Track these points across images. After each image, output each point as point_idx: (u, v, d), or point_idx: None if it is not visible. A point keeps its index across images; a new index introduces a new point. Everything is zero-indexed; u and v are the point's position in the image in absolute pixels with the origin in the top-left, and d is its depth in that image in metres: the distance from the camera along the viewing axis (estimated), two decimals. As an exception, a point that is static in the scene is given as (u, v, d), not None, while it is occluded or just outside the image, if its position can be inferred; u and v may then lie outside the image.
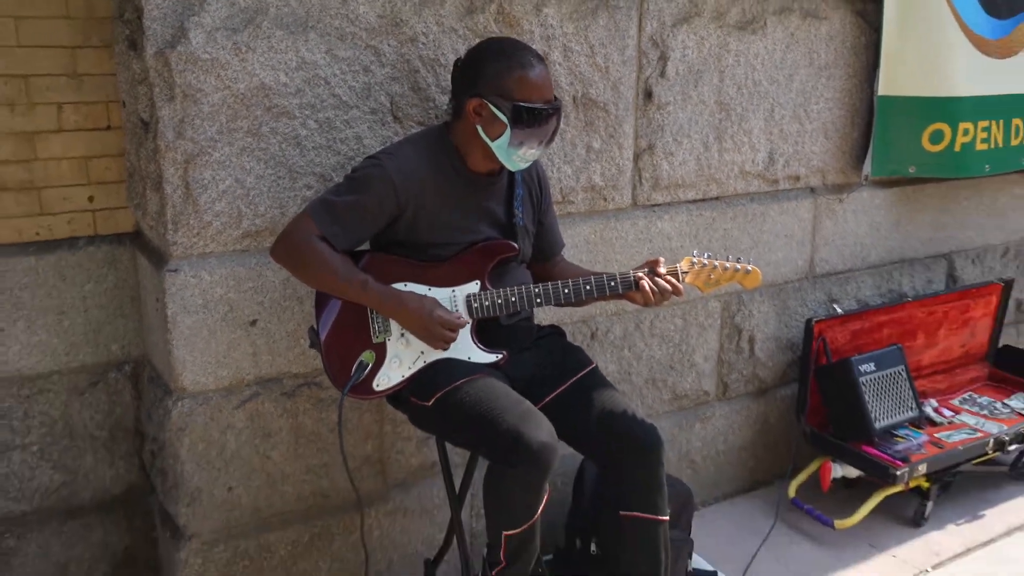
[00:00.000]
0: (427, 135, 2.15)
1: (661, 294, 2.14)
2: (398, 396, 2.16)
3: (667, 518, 2.21)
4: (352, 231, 2.02)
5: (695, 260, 2.22)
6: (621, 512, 2.18)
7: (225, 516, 2.36)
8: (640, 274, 2.15)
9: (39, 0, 2.19)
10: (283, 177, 2.24)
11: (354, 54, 2.25)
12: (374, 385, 2.10)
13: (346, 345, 2.09)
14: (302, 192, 2.26)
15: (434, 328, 2.03)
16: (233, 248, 2.22)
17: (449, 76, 2.25)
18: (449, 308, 2.08)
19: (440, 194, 2.07)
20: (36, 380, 2.38)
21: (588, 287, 2.13)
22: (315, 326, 2.11)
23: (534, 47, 2.41)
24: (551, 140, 2.10)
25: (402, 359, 2.10)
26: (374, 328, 2.09)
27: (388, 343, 2.10)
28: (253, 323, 2.29)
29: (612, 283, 2.14)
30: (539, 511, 2.01)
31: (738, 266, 2.25)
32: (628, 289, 2.14)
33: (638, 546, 2.19)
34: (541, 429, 1.93)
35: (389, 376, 2.10)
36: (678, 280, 2.19)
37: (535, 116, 2.00)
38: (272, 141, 2.20)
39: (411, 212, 2.04)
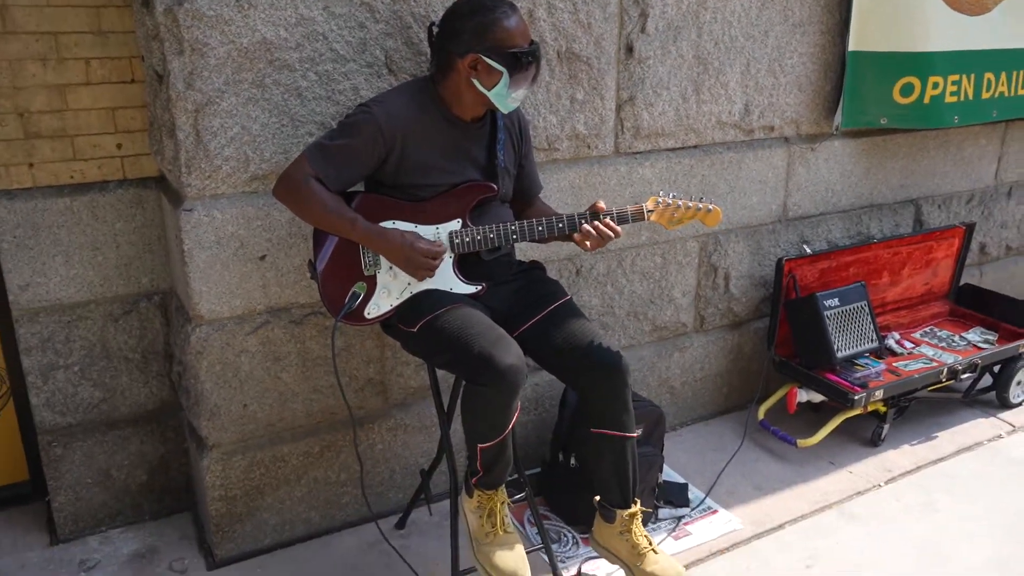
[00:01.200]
0: (413, 85, 2.11)
1: (600, 237, 2.11)
2: (388, 323, 2.17)
3: (634, 434, 2.20)
4: (344, 172, 2.01)
5: (660, 200, 2.17)
6: (592, 429, 2.17)
7: (241, 429, 2.40)
8: (583, 219, 2.11)
9: (63, -38, 2.16)
10: (286, 125, 2.21)
11: (349, 11, 2.20)
12: (365, 313, 2.10)
13: (341, 277, 2.09)
14: (304, 139, 2.24)
15: (415, 258, 2.02)
16: (242, 190, 2.22)
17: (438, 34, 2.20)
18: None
19: (425, 138, 2.04)
20: (75, 308, 2.41)
21: (560, 224, 2.10)
22: (313, 260, 2.11)
23: (518, 4, 2.35)
24: (536, 79, 2.07)
25: (391, 290, 2.10)
26: (365, 262, 2.08)
27: (378, 275, 2.09)
28: (262, 258, 2.29)
29: (560, 224, 2.11)
30: (509, 426, 2.01)
31: (700, 205, 2.20)
32: (574, 231, 2.12)
33: (608, 459, 2.18)
34: (510, 353, 1.92)
35: (379, 305, 2.10)
36: (644, 218, 2.16)
37: (527, 59, 1.99)
38: (275, 92, 2.17)
39: (398, 154, 2.01)
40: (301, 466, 2.52)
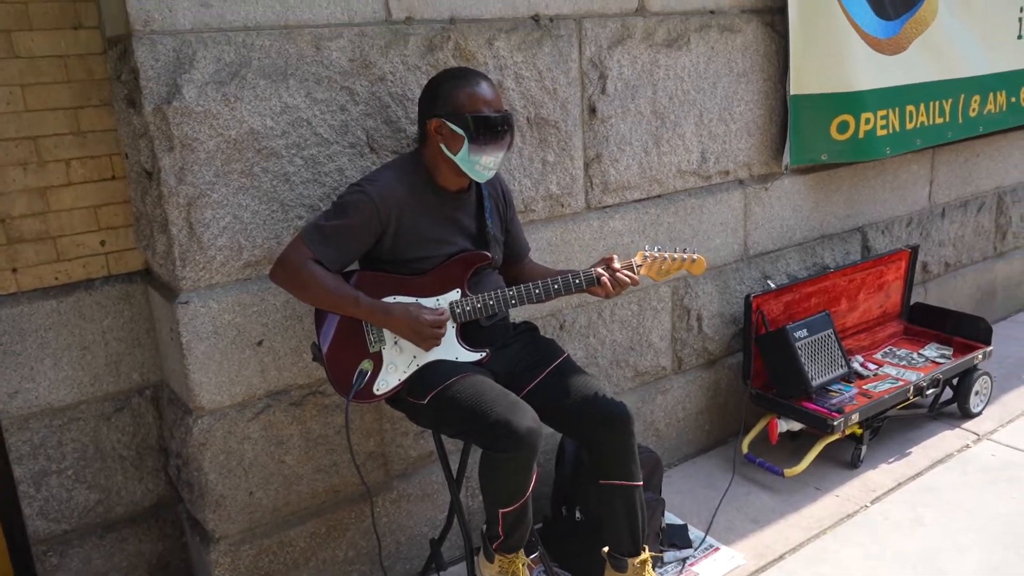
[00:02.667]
0: (402, 161, 2.18)
1: (620, 285, 2.20)
2: (396, 397, 2.19)
3: (641, 483, 2.27)
4: (342, 251, 2.04)
5: (647, 254, 2.27)
6: (601, 481, 2.23)
7: (248, 517, 2.37)
8: (600, 270, 2.19)
9: (43, 68, 2.17)
10: (276, 211, 2.24)
11: (331, 95, 2.27)
12: (374, 390, 2.12)
13: (346, 357, 2.11)
14: (294, 222, 2.27)
15: (422, 329, 2.05)
16: (236, 277, 2.23)
17: (416, 109, 2.29)
18: (434, 315, 2.12)
19: (417, 212, 2.09)
20: (66, 411, 2.36)
21: (556, 286, 2.17)
22: (317, 342, 2.13)
23: (488, 75, 2.45)
24: (508, 147, 2.13)
25: (397, 364, 2.13)
26: (369, 339, 2.11)
27: (383, 351, 2.12)
28: (260, 343, 2.30)
29: (576, 280, 2.18)
30: (530, 488, 2.05)
31: (685, 256, 2.30)
32: (591, 285, 2.19)
33: (618, 509, 2.24)
34: (526, 416, 1.97)
35: (387, 380, 2.13)
36: (634, 272, 2.25)
37: (487, 124, 2.04)
38: (264, 179, 2.20)
39: (392, 230, 2.06)
40: (309, 548, 2.49)
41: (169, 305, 2.20)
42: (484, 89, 2.08)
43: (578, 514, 2.63)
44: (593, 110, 2.83)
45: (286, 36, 2.17)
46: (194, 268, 2.15)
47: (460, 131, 2.04)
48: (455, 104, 2.05)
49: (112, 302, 2.38)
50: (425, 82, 2.36)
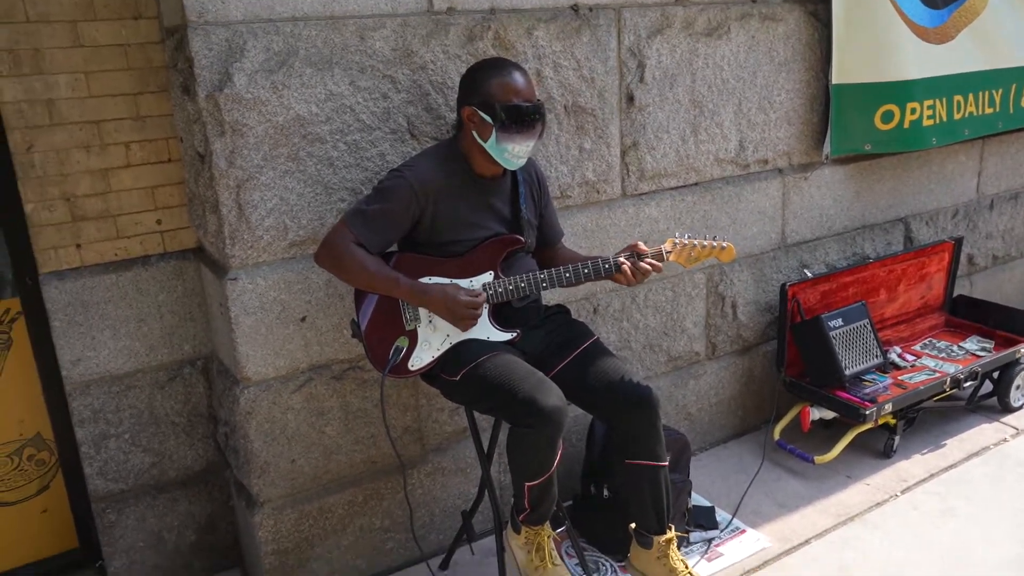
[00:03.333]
0: (440, 147, 2.26)
1: (642, 274, 2.24)
2: (430, 373, 2.28)
3: (666, 463, 2.32)
4: (382, 234, 2.14)
5: (676, 240, 2.32)
6: (627, 461, 2.29)
7: (290, 484, 2.50)
8: (622, 258, 2.24)
9: (105, 56, 2.30)
10: (320, 193, 2.35)
11: (374, 83, 2.36)
12: (409, 365, 2.22)
13: (383, 333, 2.21)
14: (337, 205, 2.37)
15: (459, 310, 2.14)
16: (282, 256, 2.34)
17: (455, 96, 2.38)
18: (468, 296, 2.20)
19: (453, 196, 2.17)
20: (124, 378, 2.51)
21: (586, 271, 2.24)
22: (356, 319, 2.23)
23: (527, 65, 2.52)
24: (539, 136, 2.18)
25: (431, 342, 2.22)
26: (406, 317, 2.21)
27: (419, 329, 2.21)
28: (303, 319, 2.41)
29: (606, 266, 2.24)
30: (555, 464, 2.13)
31: (715, 243, 2.34)
32: (615, 271, 2.25)
33: (644, 488, 2.30)
34: (552, 395, 2.04)
35: (421, 357, 2.22)
36: (662, 259, 2.29)
37: (515, 113, 2.10)
38: (309, 163, 2.31)
39: (430, 214, 2.15)
40: (347, 515, 2.61)
41: (219, 281, 2.33)
42: (516, 79, 2.14)
43: (606, 492, 2.71)
44: (631, 98, 2.87)
45: (332, 26, 2.26)
46: (242, 247, 2.27)
47: (489, 119, 2.11)
48: (487, 93, 2.12)
49: (167, 277, 2.52)
50: (464, 71, 2.45)
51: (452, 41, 2.45)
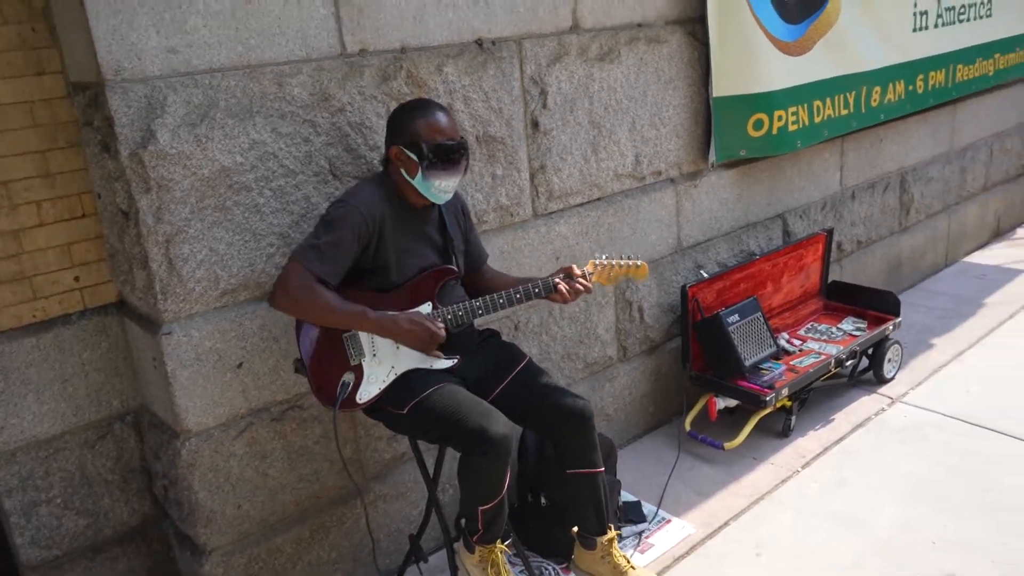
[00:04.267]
0: (375, 179, 2.33)
1: (576, 293, 2.40)
2: (374, 407, 2.34)
3: (603, 469, 2.50)
4: (339, 264, 2.18)
5: (597, 262, 2.49)
6: (567, 471, 2.45)
7: (237, 530, 2.51)
8: (557, 280, 2.39)
9: (9, 115, 2.23)
10: (249, 240, 2.37)
11: (294, 129, 2.39)
12: (357, 399, 2.28)
13: (328, 370, 2.27)
14: (266, 250, 2.40)
15: (426, 336, 2.22)
16: (214, 306, 2.35)
17: (374, 136, 2.47)
18: (409, 329, 2.29)
19: (395, 224, 2.26)
20: (51, 442, 2.44)
21: (518, 295, 2.37)
22: (300, 358, 2.27)
23: (440, 100, 2.62)
24: (464, 172, 2.30)
25: (377, 375, 2.29)
26: (350, 353, 2.27)
27: (363, 363, 2.28)
28: (239, 365, 2.42)
29: (536, 289, 2.38)
30: (506, 486, 2.26)
31: (630, 262, 2.53)
32: (550, 292, 2.39)
33: (584, 495, 2.47)
34: (500, 423, 2.16)
35: (368, 390, 2.29)
36: (586, 280, 2.46)
37: (440, 151, 2.21)
38: (236, 212, 2.32)
39: (376, 239, 2.23)
40: (295, 553, 2.64)
41: (151, 336, 2.31)
42: (439, 118, 2.25)
43: (544, 500, 2.86)
44: (536, 124, 3.01)
45: (250, 75, 2.28)
46: (175, 300, 2.27)
47: (415, 157, 2.22)
48: (413, 132, 2.22)
49: (89, 335, 2.46)
50: (383, 110, 2.53)
51: (367, 82, 2.52)
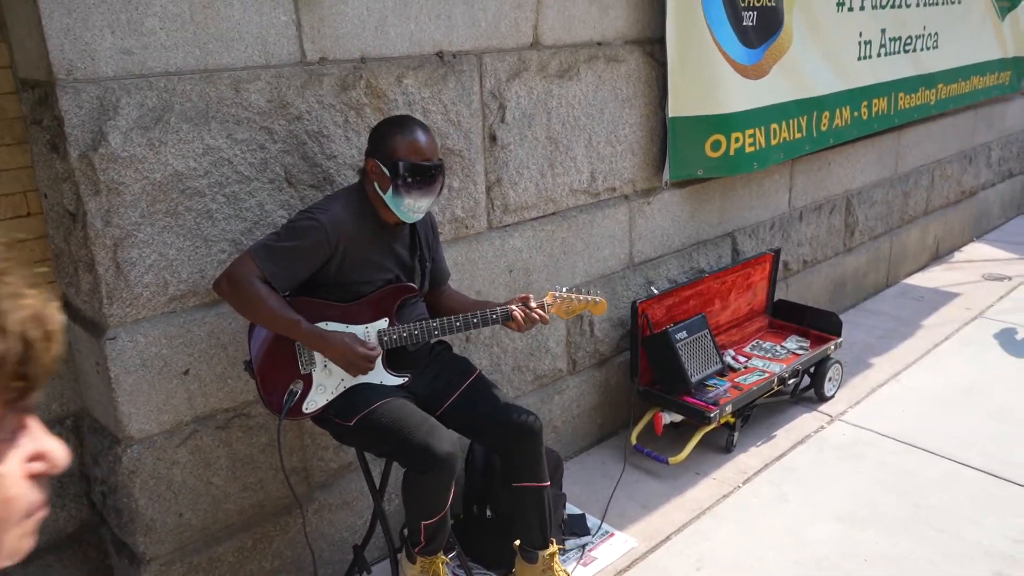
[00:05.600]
0: (350, 192, 2.33)
1: (531, 322, 2.41)
2: (322, 417, 2.34)
3: (548, 483, 2.53)
4: (289, 271, 2.17)
5: (557, 295, 2.51)
6: (514, 484, 2.48)
7: (178, 538, 2.47)
8: (514, 307, 2.41)
9: (-47, 111, 2.18)
10: (200, 247, 2.34)
11: (250, 135, 2.38)
12: (303, 408, 2.28)
13: (276, 376, 2.26)
14: (217, 256, 2.38)
15: (357, 361, 2.22)
16: (162, 311, 2.32)
17: (332, 145, 2.47)
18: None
19: (362, 240, 2.26)
20: (-14, 446, 2.38)
21: (475, 320, 2.38)
22: (250, 361, 2.26)
23: (399, 112, 2.63)
24: (438, 193, 2.31)
25: (326, 386, 2.29)
26: (301, 361, 2.26)
27: (313, 373, 2.28)
28: (186, 372, 2.40)
29: (494, 315, 2.39)
30: (449, 501, 2.27)
31: (589, 298, 2.54)
32: (507, 319, 2.40)
33: (529, 508, 2.50)
34: (445, 440, 2.18)
35: (316, 400, 2.29)
36: (544, 311, 2.48)
37: (412, 171, 2.21)
38: (188, 217, 2.30)
39: (340, 255, 2.22)
40: (237, 562, 2.62)
41: (95, 341, 2.27)
42: (418, 137, 2.24)
43: (489, 512, 2.88)
44: (494, 138, 3.04)
45: (206, 80, 2.26)
46: (121, 305, 2.23)
47: (388, 173, 2.22)
48: (390, 148, 2.22)
49: (30, 336, 2.40)
50: (340, 120, 2.53)
51: (326, 91, 2.51)
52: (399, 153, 2.22)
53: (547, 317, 2.44)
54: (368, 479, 2.46)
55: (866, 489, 3.35)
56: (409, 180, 2.21)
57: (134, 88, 2.14)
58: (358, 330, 2.29)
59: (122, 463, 2.33)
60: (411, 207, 2.26)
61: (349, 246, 2.23)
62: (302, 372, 2.27)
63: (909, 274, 6.07)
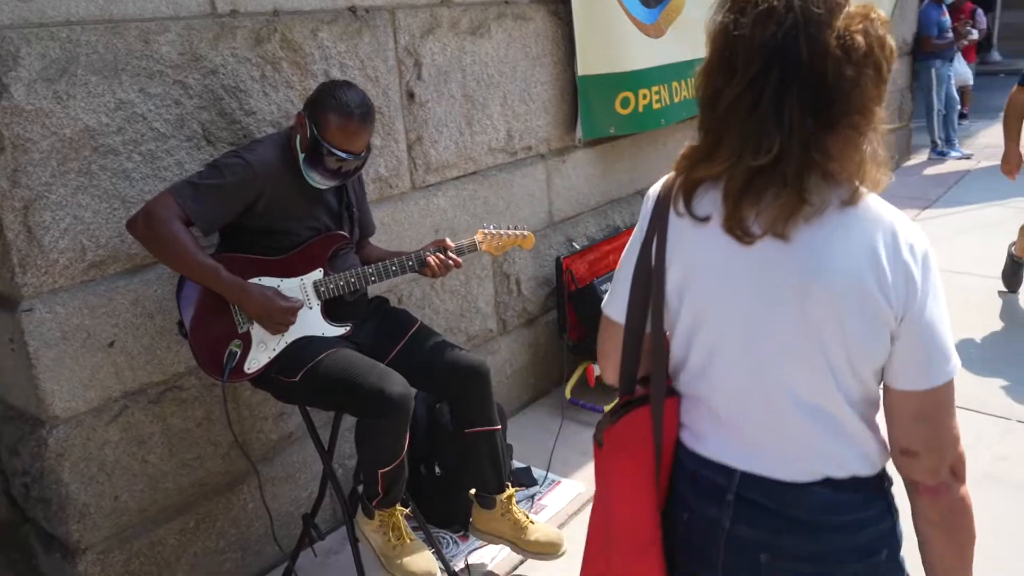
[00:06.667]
0: (278, 137, 2.23)
1: (446, 267, 2.38)
2: (263, 377, 2.24)
3: (500, 427, 2.52)
4: (212, 211, 2.05)
5: (486, 231, 2.50)
6: (467, 431, 2.45)
7: (115, 523, 2.32)
8: (428, 253, 2.37)
9: None
10: (118, 208, 2.21)
11: (164, 90, 2.26)
12: (245, 368, 2.18)
13: (214, 337, 2.15)
14: (137, 219, 2.24)
15: (277, 315, 2.12)
16: (81, 279, 2.17)
17: (250, 100, 2.38)
18: (300, 295, 2.21)
19: (289, 185, 2.17)
20: None
21: (410, 262, 2.34)
22: (182, 323, 2.14)
23: (315, 66, 2.56)
24: (345, 177, 2.21)
25: (267, 343, 2.20)
26: (238, 320, 2.16)
27: (252, 331, 2.18)
28: (111, 344, 2.25)
29: (410, 262, 2.34)
30: (405, 447, 2.23)
31: (518, 232, 2.56)
32: (423, 266, 2.36)
33: (485, 453, 2.47)
34: (397, 383, 2.13)
35: (258, 359, 2.19)
36: (476, 249, 2.46)
37: (329, 153, 2.12)
38: (103, 177, 2.16)
39: (266, 199, 2.12)
40: (180, 545, 2.48)
41: (8, 314, 2.10)
42: (350, 125, 2.12)
43: (437, 469, 2.84)
44: (411, 95, 3.00)
45: (113, 31, 2.13)
46: (36, 273, 2.07)
47: (309, 140, 2.13)
48: (323, 119, 2.11)
49: (-70, 320, 2.21)
50: (258, 75, 2.44)
51: (240, 44, 2.42)
52: (328, 131, 2.11)
53: (460, 261, 2.39)
54: (315, 439, 2.38)
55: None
56: (322, 160, 2.14)
57: (34, 38, 1.99)
58: (293, 283, 2.21)
59: (48, 446, 2.16)
60: (316, 180, 2.19)
61: (275, 190, 2.14)
62: (240, 331, 2.17)
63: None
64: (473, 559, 2.73)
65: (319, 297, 2.24)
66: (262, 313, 2.12)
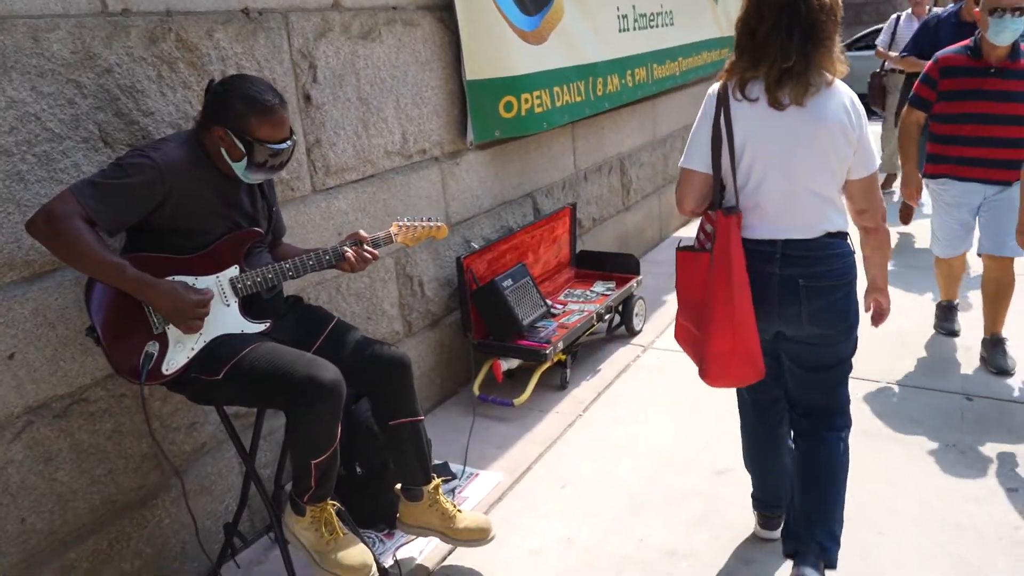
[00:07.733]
0: (185, 136, 2.19)
1: (363, 260, 2.42)
2: (180, 379, 2.18)
3: (423, 417, 2.55)
4: (115, 210, 1.99)
5: (401, 224, 2.55)
6: (390, 423, 2.47)
7: (22, 548, 2.19)
8: (345, 247, 2.39)
9: None
10: (12, 213, 2.10)
11: (57, 89, 2.18)
12: (163, 369, 2.12)
13: (127, 339, 2.08)
14: (34, 224, 2.14)
15: (186, 309, 2.06)
16: (-25, 289, 2.05)
17: (148, 101, 2.33)
18: (216, 292, 2.18)
19: (199, 184, 2.13)
20: None
21: (327, 257, 2.35)
22: (93, 327, 2.06)
23: (212, 67, 2.54)
24: (283, 166, 2.24)
25: (184, 343, 2.15)
26: (153, 320, 2.10)
27: (168, 331, 2.12)
28: (11, 357, 2.13)
29: (327, 256, 2.36)
30: (338, 436, 2.22)
31: (431, 224, 2.63)
32: (339, 260, 2.38)
33: (409, 445, 2.50)
34: (328, 369, 2.14)
35: (176, 359, 2.13)
36: (392, 241, 2.50)
37: (271, 154, 2.15)
38: (-4, 180, 2.06)
39: (175, 199, 2.08)
40: (93, 568, 2.36)
41: None
42: (274, 118, 2.13)
43: (358, 469, 2.83)
44: (308, 98, 3.01)
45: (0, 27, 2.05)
46: (-75, 283, 1.95)
47: (243, 148, 2.12)
48: (243, 125, 2.10)
49: None
50: (154, 74, 2.39)
51: (135, 43, 2.36)
52: (257, 131, 2.11)
53: (377, 254, 2.43)
54: (235, 440, 2.34)
55: (687, 398, 3.70)
56: (265, 161, 2.15)
57: (-84, 32, 1.89)
58: (209, 281, 2.18)
59: (-55, 469, 2.03)
60: (258, 178, 2.23)
61: (184, 190, 2.10)
62: (155, 332, 2.11)
63: (677, 228, 6.75)
64: (401, 554, 2.73)
65: (236, 294, 2.21)
66: (172, 308, 2.06)
